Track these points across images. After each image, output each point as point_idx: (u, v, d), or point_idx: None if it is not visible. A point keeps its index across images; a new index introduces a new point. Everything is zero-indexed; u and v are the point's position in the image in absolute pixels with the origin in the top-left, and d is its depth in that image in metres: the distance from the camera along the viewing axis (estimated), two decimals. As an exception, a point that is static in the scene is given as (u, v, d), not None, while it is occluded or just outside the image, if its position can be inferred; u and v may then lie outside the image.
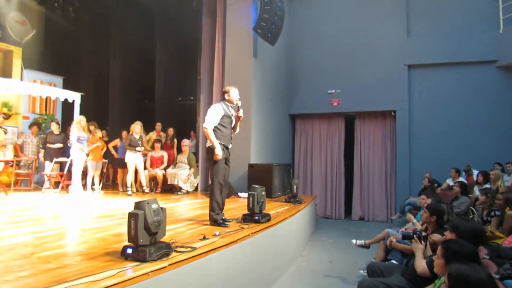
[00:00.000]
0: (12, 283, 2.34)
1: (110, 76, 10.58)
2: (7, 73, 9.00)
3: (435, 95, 9.26)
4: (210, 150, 4.38)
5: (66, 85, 9.92)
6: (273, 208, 5.94)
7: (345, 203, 9.97)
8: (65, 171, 8.02)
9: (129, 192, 7.81)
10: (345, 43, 9.83)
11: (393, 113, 9.60)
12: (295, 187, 6.78)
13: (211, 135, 4.35)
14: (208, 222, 4.47)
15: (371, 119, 9.93)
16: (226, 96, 4.61)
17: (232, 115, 4.61)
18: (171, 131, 9.17)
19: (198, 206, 6.46)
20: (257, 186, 4.70)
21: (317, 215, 8.73)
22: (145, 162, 8.26)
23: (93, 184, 7.96)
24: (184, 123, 9.91)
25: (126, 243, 2.89)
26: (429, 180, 8.14)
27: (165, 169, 8.37)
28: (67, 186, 7.80)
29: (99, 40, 10.37)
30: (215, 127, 4.43)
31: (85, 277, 2.43)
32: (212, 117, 4.42)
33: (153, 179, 8.47)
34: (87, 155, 7.69)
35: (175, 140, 9.15)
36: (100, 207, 6.06)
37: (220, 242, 3.52)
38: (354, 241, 4.99)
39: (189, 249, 3.19)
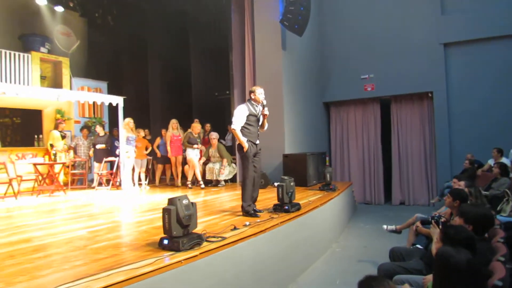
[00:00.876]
0: (69, 271, 2.75)
1: (150, 77, 11.16)
2: (58, 83, 9.82)
3: (474, 73, 8.90)
4: (240, 147, 4.74)
5: (111, 89, 10.64)
6: (306, 197, 6.14)
7: (385, 188, 9.91)
8: (114, 170, 8.66)
9: (190, 186, 8.35)
10: (377, 25, 9.65)
11: (430, 94, 9.35)
12: (328, 175, 6.91)
13: (239, 134, 4.68)
14: (241, 213, 4.78)
15: (407, 101, 9.74)
16: (252, 96, 4.89)
17: (258, 113, 4.86)
18: (208, 126, 9.57)
19: (235, 197, 6.78)
20: (286, 177, 4.92)
21: (355, 201, 8.79)
22: (185, 158, 8.73)
23: (139, 180, 8.54)
24: (221, 118, 10.26)
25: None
26: (470, 161, 7.92)
27: (205, 163, 8.78)
28: (117, 183, 8.46)
29: (138, 44, 10.96)
30: (242, 126, 4.73)
31: (127, 265, 2.80)
32: (238, 117, 4.73)
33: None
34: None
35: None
36: (145, 202, 6.58)
37: (249, 232, 3.80)
38: (385, 226, 5.06)
39: (219, 239, 3.50)
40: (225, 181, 8.57)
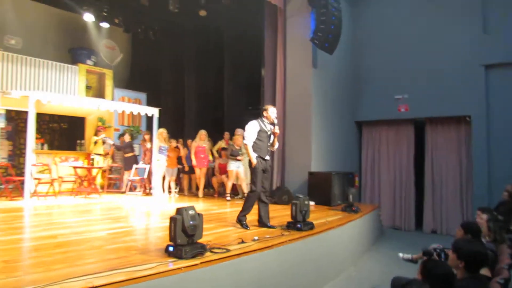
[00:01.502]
0: (79, 267, 3.00)
1: (186, 89, 11.63)
2: (101, 93, 10.52)
3: (517, 98, 8.46)
4: (250, 162, 5.00)
5: (149, 100, 11.23)
6: (325, 216, 6.11)
7: (416, 214, 9.55)
8: (145, 176, 9.05)
9: (228, 198, 8.32)
10: (413, 44, 9.44)
11: (468, 118, 8.98)
12: (351, 196, 6.85)
13: (250, 150, 4.95)
14: (256, 227, 4.89)
15: (443, 125, 9.41)
16: (264, 113, 5.16)
17: (268, 130, 5.08)
18: (227, 135, 9.75)
19: (255, 211, 6.85)
20: (300, 196, 4.99)
21: (381, 225, 8.57)
22: (213, 169, 8.97)
23: (169, 188, 8.87)
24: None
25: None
26: (509, 193, 7.47)
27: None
28: (148, 189, 8.84)
29: (176, 58, 11.50)
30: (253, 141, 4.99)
31: (131, 267, 2.99)
32: (249, 133, 4.99)
33: (221, 184, 9.13)
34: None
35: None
36: (170, 209, 6.83)
37: (255, 246, 3.89)
38: (401, 254, 4.89)
39: (223, 250, 3.61)
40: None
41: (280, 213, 6.42)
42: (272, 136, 5.14)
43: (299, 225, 4.76)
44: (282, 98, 8.94)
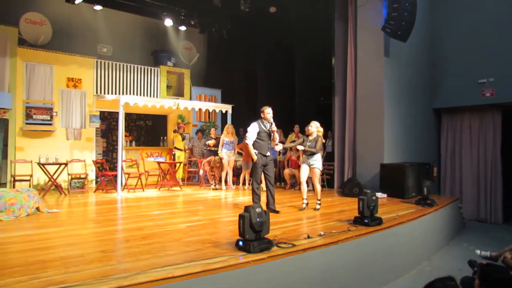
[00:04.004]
0: (162, 259, 3.41)
1: (258, 84, 11.97)
2: (180, 91, 11.31)
3: None
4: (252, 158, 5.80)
5: (224, 96, 11.79)
6: (396, 210, 6.00)
7: (504, 206, 8.83)
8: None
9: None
10: (500, 23, 8.60)
11: None
12: (425, 189, 6.58)
13: (251, 148, 5.71)
14: (323, 222, 5.03)
15: (536, 109, 8.51)
16: (262, 115, 5.83)
17: (268, 129, 5.77)
18: (296, 128, 9.84)
19: (324, 205, 6.96)
20: (368, 191, 5.00)
21: (462, 218, 8.09)
22: (284, 161, 9.19)
23: (244, 181, 9.29)
24: (324, 123, 10.42)
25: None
26: None
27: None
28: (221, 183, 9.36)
29: (247, 53, 11.86)
30: (254, 140, 5.71)
31: (205, 259, 3.34)
32: (251, 134, 5.73)
33: (293, 176, 9.33)
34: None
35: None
36: (242, 202, 7.22)
37: (320, 241, 4.03)
38: (478, 251, 4.70)
39: (290, 245, 3.83)
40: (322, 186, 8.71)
41: (349, 207, 6.45)
42: (271, 134, 5.80)
43: (366, 220, 4.78)
44: (353, 88, 8.81)
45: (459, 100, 9.32)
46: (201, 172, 9.42)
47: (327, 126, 10.06)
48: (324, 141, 6.37)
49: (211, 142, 9.19)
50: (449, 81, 9.45)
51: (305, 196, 6.23)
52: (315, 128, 6.05)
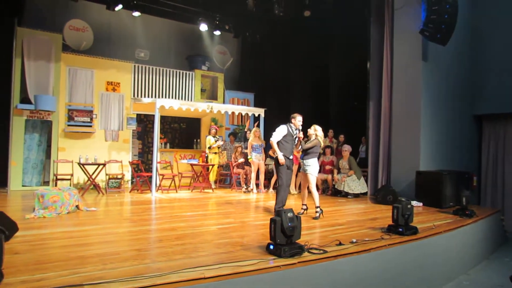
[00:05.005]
0: (193, 259, 3.48)
1: (291, 88, 11.96)
2: (214, 95, 11.49)
3: None
4: (276, 159, 5.79)
5: (257, 100, 11.86)
6: (432, 220, 5.81)
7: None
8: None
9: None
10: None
11: None
12: (464, 199, 6.31)
13: (275, 147, 5.75)
14: (355, 229, 4.94)
15: None
16: (292, 120, 5.93)
17: (294, 134, 5.87)
18: (342, 137, 9.75)
19: (357, 211, 6.86)
20: (403, 199, 4.88)
21: (504, 231, 7.68)
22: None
23: (275, 184, 9.28)
24: (357, 128, 10.27)
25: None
26: None
27: (333, 173, 8.98)
28: (251, 186, 9.35)
29: (281, 57, 11.88)
30: (280, 141, 5.78)
31: (236, 262, 3.37)
32: (277, 134, 5.80)
33: (324, 181, 9.23)
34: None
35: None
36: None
37: (352, 249, 3.97)
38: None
39: (321, 251, 3.79)
40: (356, 194, 8.56)
41: (383, 214, 6.30)
42: (296, 139, 5.91)
43: (400, 229, 4.65)
44: (388, 92, 8.61)
45: (502, 106, 8.89)
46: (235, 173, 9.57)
47: (361, 131, 9.92)
48: (322, 145, 6.39)
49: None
50: (491, 85, 9.05)
51: (304, 202, 6.22)
52: (313, 131, 6.07)
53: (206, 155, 9.77)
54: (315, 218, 5.77)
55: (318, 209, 5.89)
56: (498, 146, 9.19)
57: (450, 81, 8.67)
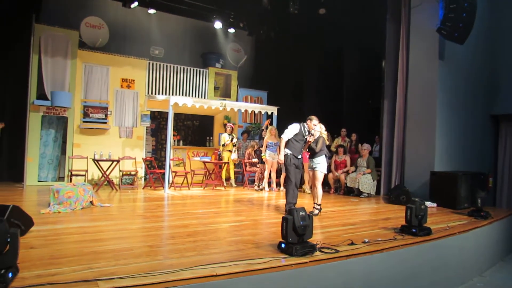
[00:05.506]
0: (206, 256, 3.50)
1: (304, 86, 11.91)
2: (227, 92, 11.51)
3: None
4: (286, 157, 5.78)
5: (270, 98, 11.84)
6: (446, 221, 5.72)
7: None
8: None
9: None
10: None
11: None
12: (479, 200, 6.21)
13: (282, 145, 5.75)
14: (367, 228, 4.91)
15: None
16: (308, 122, 5.87)
17: (306, 135, 5.83)
18: (354, 136, 9.66)
19: (369, 211, 6.81)
20: (417, 199, 4.85)
21: (520, 233, 7.53)
22: (329, 166, 9.06)
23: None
24: (370, 127, 10.18)
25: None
26: None
27: (347, 172, 8.93)
28: (262, 184, 9.35)
29: (295, 56, 11.81)
30: (290, 139, 5.78)
31: (247, 259, 3.37)
32: (288, 132, 5.78)
33: (337, 181, 9.18)
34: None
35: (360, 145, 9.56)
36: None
37: (364, 249, 3.94)
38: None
39: (333, 251, 3.77)
40: (369, 194, 8.49)
41: (396, 214, 6.23)
42: (306, 141, 5.87)
43: (414, 230, 4.60)
44: (403, 92, 8.51)
45: (520, 106, 8.71)
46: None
47: (375, 129, 9.83)
48: (327, 142, 6.34)
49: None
50: (508, 86, 8.85)
51: (315, 201, 6.03)
52: (318, 128, 5.98)
53: (218, 152, 9.79)
54: (311, 213, 5.59)
55: (318, 206, 5.92)
56: (515, 147, 9.00)
57: (467, 80, 8.50)
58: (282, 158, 5.81)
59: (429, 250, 4.55)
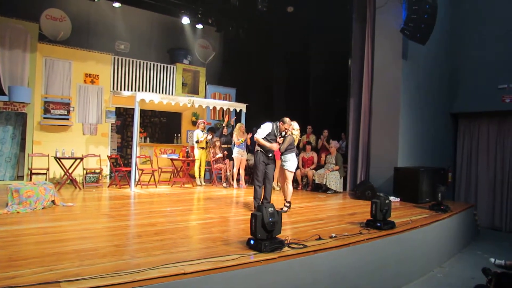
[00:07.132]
0: (173, 255, 3.44)
1: (274, 84, 11.98)
2: (195, 89, 11.38)
3: None
4: (256, 153, 5.91)
5: (239, 95, 11.81)
6: (409, 215, 5.94)
7: (521, 215, 8.64)
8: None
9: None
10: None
11: None
12: (440, 194, 6.49)
13: (261, 141, 5.80)
14: (334, 224, 5.01)
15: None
16: (280, 123, 5.88)
17: (277, 136, 5.88)
18: (325, 133, 9.81)
19: (336, 207, 6.96)
20: (381, 194, 4.96)
21: (476, 225, 7.95)
22: (298, 162, 9.15)
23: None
24: (337, 125, 10.38)
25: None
26: None
27: (315, 169, 9.07)
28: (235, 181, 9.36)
29: (264, 53, 11.87)
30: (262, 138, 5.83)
31: (216, 257, 3.36)
32: (262, 131, 5.85)
33: (304, 177, 9.30)
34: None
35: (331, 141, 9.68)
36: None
37: (331, 243, 4.02)
38: (492, 260, 4.58)
39: (301, 246, 3.82)
40: (335, 190, 8.65)
41: (362, 209, 6.40)
42: (277, 140, 5.88)
43: (379, 224, 4.74)
44: (368, 90, 8.74)
45: (477, 105, 9.17)
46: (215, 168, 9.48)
47: (342, 127, 10.03)
48: (296, 141, 6.33)
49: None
50: (467, 85, 9.31)
51: (285, 198, 6.15)
52: (290, 128, 6.05)
53: (186, 149, 9.67)
54: (281, 210, 5.72)
55: (288, 204, 6.06)
56: (472, 144, 9.48)
57: (429, 80, 8.85)
58: (275, 146, 5.79)
59: (393, 243, 4.71)
